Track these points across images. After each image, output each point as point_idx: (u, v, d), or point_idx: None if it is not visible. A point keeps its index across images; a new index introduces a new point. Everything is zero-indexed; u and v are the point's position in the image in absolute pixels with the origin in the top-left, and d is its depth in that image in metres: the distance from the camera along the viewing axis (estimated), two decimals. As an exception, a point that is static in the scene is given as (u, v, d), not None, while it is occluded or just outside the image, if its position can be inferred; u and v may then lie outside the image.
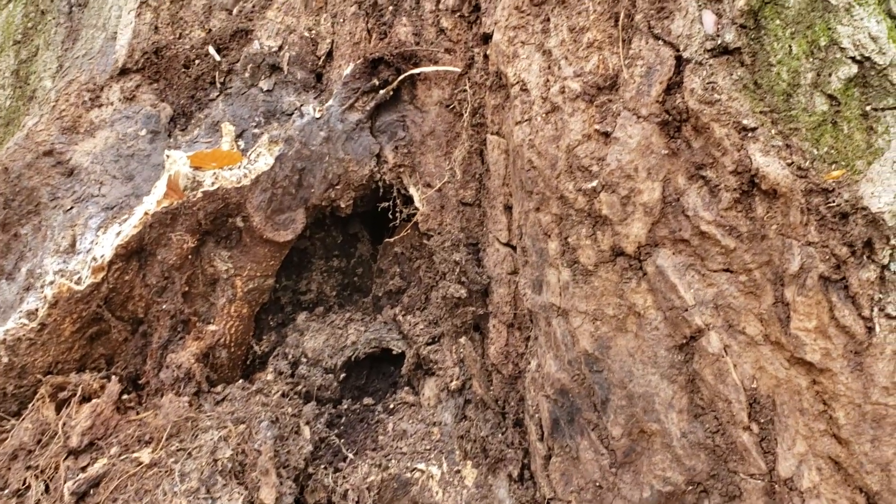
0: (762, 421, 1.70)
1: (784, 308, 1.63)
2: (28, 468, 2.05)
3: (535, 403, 2.06)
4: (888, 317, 1.55)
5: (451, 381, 2.30)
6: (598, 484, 1.92)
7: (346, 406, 2.49)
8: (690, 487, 1.79)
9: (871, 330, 1.56)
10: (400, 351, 2.49)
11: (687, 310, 1.72)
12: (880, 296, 1.55)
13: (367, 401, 2.52)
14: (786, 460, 1.67)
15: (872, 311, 1.56)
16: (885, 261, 1.54)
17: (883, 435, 1.58)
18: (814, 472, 1.64)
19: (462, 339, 2.22)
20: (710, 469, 1.76)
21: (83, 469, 2.01)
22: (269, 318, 2.58)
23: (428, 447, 2.28)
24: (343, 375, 2.50)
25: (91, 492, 1.97)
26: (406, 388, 2.49)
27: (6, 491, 2.04)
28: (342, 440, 2.36)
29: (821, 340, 1.60)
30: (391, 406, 2.46)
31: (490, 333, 2.23)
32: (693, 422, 1.77)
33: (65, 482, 1.96)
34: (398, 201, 2.36)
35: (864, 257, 1.55)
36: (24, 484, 2.03)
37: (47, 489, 2.01)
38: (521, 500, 2.10)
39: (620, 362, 1.83)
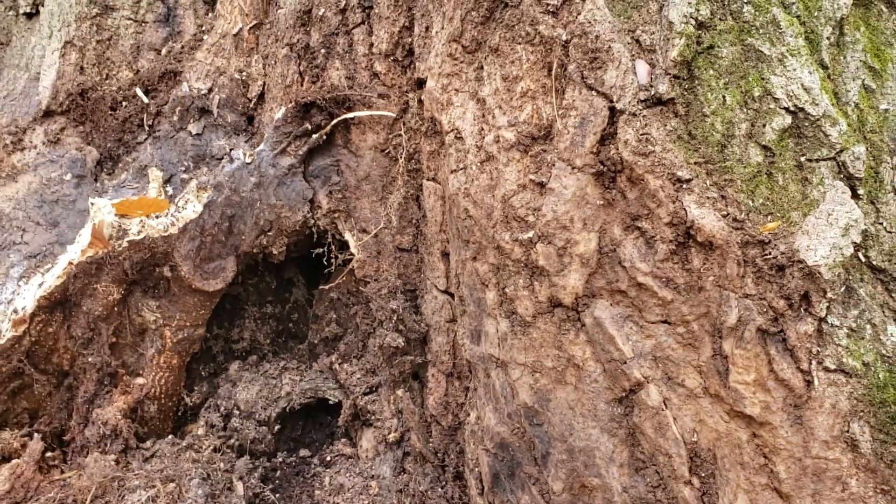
0: (703, 475, 1.67)
1: (723, 361, 1.61)
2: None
3: (474, 457, 2.01)
4: (826, 370, 1.53)
5: (390, 433, 2.24)
6: (540, 540, 1.87)
7: (280, 459, 2.40)
8: (633, 544, 1.75)
9: (809, 383, 1.54)
10: (337, 400, 2.41)
11: (626, 362, 1.68)
12: (818, 349, 1.54)
13: (304, 453, 2.44)
14: (728, 515, 1.64)
15: (811, 364, 1.54)
16: (823, 314, 1.52)
17: (824, 489, 1.55)
18: (756, 526, 1.62)
19: (399, 392, 2.16)
20: (652, 524, 1.72)
21: (-2, 539, 1.90)
22: (200, 367, 2.49)
23: (366, 502, 2.20)
24: (277, 427, 2.41)
25: (7, 564, 1.86)
26: (343, 440, 2.42)
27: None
28: (277, 495, 2.27)
29: (760, 394, 1.58)
30: (328, 458, 2.38)
31: (429, 383, 2.17)
32: (634, 476, 1.73)
33: (-23, 554, 1.85)
34: (333, 247, 2.30)
35: (802, 310, 1.53)
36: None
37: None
38: (462, 557, 2.04)
39: (560, 415, 1.79)
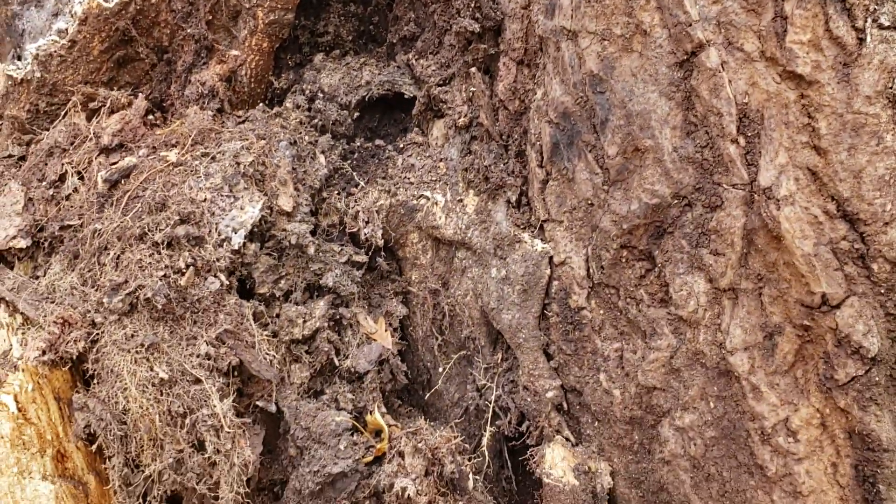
0: (749, 134, 1.82)
1: (782, 22, 1.72)
2: (63, 162, 2.20)
3: (537, 132, 2.18)
4: (880, 27, 1.64)
5: (459, 118, 2.42)
6: (589, 202, 2.07)
7: (358, 144, 2.61)
8: (676, 201, 1.93)
9: (862, 41, 1.66)
10: (412, 95, 2.59)
11: (691, 24, 1.80)
12: (875, 7, 1.64)
13: (379, 142, 2.65)
14: (767, 171, 1.80)
15: (866, 21, 1.64)
16: (884, -29, 1.61)
17: (860, 143, 1.70)
18: (791, 181, 1.78)
19: (472, 70, 2.31)
20: (695, 182, 1.90)
21: (114, 163, 2.16)
22: (287, 57, 2.67)
23: (434, 178, 2.42)
24: (357, 114, 2.61)
25: (122, 181, 2.12)
26: (416, 130, 2.61)
27: (44, 182, 2.20)
28: (354, 172, 2.50)
29: (813, 53, 1.70)
30: (401, 146, 2.59)
31: (500, 71, 2.32)
32: (685, 138, 1.90)
33: (98, 172, 2.12)
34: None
35: (865, -32, 1.63)
36: (59, 175, 2.19)
37: (82, 179, 2.17)
38: (517, 223, 2.27)
39: (623, 82, 1.93)
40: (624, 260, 2.06)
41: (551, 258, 2.22)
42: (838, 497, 1.85)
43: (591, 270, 2.13)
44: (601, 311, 2.14)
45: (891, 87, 1.65)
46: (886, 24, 1.63)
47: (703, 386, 2.00)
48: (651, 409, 2.09)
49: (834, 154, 1.72)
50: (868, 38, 1.64)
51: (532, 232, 2.26)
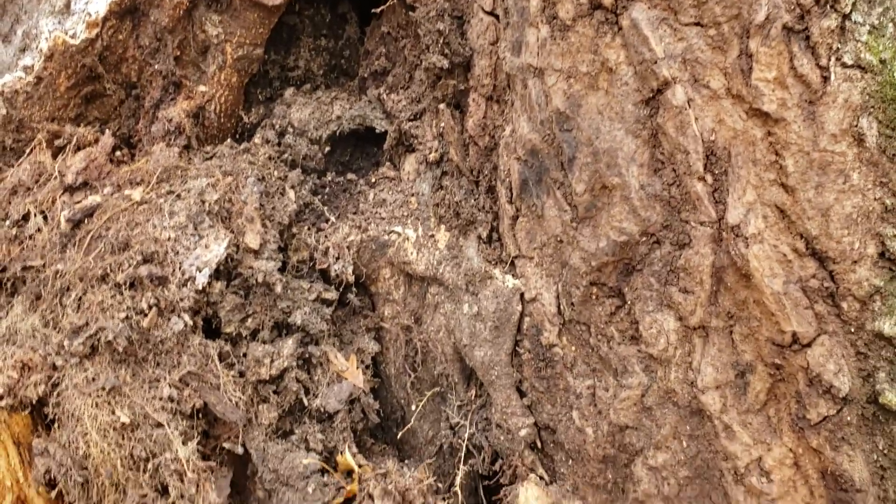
0: (717, 172, 1.80)
1: (747, 60, 1.71)
2: (27, 202, 2.17)
3: (506, 168, 2.17)
4: (844, 66, 1.63)
5: (430, 154, 2.40)
6: (559, 238, 2.05)
7: (329, 178, 2.59)
8: (644, 238, 1.91)
9: (826, 79, 1.65)
10: (383, 130, 2.57)
11: (656, 62, 1.79)
12: (839, 45, 1.63)
13: (351, 176, 2.63)
14: (735, 209, 1.78)
15: (830, 60, 1.63)
16: (847, 10, 1.60)
17: (827, 181, 1.69)
18: (760, 219, 1.76)
19: (441, 106, 2.30)
20: (663, 220, 1.88)
21: (78, 203, 2.13)
22: (258, 91, 2.65)
23: (405, 213, 2.40)
24: (328, 149, 2.59)
25: (85, 221, 2.09)
26: (388, 165, 2.59)
27: (7, 221, 2.16)
28: (325, 207, 2.48)
29: (779, 91, 1.69)
30: (373, 180, 2.57)
31: (469, 107, 2.31)
32: (652, 176, 1.88)
33: (61, 211, 2.08)
34: (387, -30, 2.40)
35: (828, 6, 1.61)
36: (23, 215, 2.16)
37: (45, 219, 2.13)
38: (488, 259, 2.24)
39: (590, 120, 1.92)
40: (594, 297, 2.03)
41: (522, 294, 2.19)
42: (812, 539, 1.83)
43: (561, 307, 2.11)
44: (573, 348, 2.11)
45: (856, 126, 1.64)
46: (849, 62, 1.62)
47: (675, 425, 1.97)
48: (624, 448, 2.05)
49: (801, 192, 1.71)
50: (832, 77, 1.63)
51: (503, 268, 2.23)
